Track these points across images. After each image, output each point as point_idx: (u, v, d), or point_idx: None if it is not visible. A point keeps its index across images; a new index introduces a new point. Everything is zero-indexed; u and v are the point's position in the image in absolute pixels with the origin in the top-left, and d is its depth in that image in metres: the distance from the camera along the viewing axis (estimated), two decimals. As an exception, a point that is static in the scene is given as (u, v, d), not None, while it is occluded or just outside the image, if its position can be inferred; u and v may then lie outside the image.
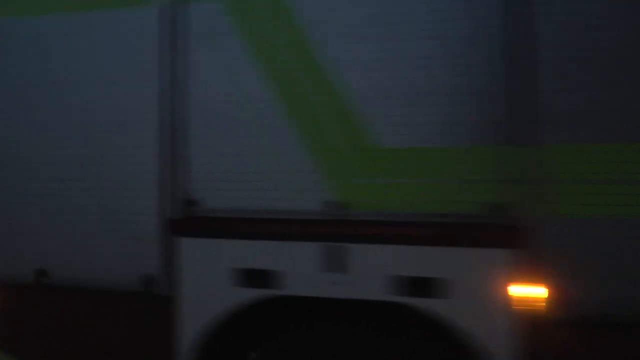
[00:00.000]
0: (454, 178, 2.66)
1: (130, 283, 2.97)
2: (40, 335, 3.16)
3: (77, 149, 3.14)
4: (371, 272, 2.63)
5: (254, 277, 2.73)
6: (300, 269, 2.69)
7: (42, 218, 3.18)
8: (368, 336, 2.79)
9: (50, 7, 3.21)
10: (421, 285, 2.59)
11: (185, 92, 2.98)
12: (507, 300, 2.52)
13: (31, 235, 3.20)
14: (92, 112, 3.13)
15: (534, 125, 2.59)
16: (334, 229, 2.66)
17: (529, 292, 2.57)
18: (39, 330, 3.16)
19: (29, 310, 3.18)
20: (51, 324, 3.14)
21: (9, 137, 3.28)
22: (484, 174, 2.65)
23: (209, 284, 2.78)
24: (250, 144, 2.86)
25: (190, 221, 2.83)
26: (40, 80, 3.21)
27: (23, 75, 3.24)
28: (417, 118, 2.70)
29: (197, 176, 2.93)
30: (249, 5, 2.90)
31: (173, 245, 2.89)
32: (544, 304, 2.53)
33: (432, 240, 2.59)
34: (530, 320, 2.55)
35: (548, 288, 2.55)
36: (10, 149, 3.26)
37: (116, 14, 3.08)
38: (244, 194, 2.85)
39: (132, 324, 2.95)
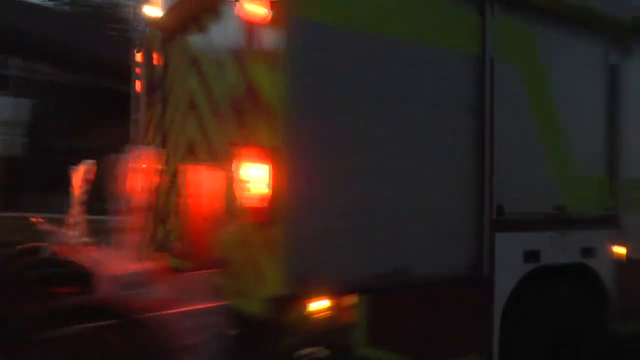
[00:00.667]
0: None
1: (457, 271, 3.81)
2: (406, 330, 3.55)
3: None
4: (572, 246, 4.30)
5: (533, 255, 4.12)
6: (552, 247, 4.21)
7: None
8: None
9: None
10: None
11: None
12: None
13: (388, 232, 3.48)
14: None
15: None
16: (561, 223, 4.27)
17: None
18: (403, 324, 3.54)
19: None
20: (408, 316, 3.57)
21: None
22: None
23: (510, 263, 4.01)
24: (531, 170, 4.19)
25: (501, 221, 3.99)
26: None
27: None
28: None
29: (503, 186, 3.97)
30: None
31: (491, 239, 3.95)
32: None
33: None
34: None
35: None
36: None
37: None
38: (526, 201, 4.16)
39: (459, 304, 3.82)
